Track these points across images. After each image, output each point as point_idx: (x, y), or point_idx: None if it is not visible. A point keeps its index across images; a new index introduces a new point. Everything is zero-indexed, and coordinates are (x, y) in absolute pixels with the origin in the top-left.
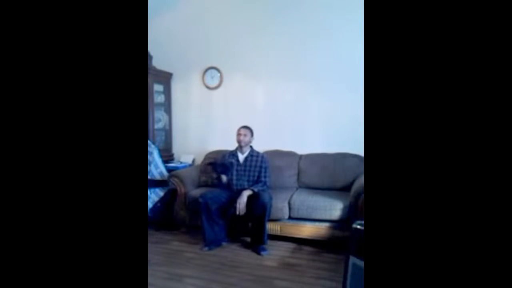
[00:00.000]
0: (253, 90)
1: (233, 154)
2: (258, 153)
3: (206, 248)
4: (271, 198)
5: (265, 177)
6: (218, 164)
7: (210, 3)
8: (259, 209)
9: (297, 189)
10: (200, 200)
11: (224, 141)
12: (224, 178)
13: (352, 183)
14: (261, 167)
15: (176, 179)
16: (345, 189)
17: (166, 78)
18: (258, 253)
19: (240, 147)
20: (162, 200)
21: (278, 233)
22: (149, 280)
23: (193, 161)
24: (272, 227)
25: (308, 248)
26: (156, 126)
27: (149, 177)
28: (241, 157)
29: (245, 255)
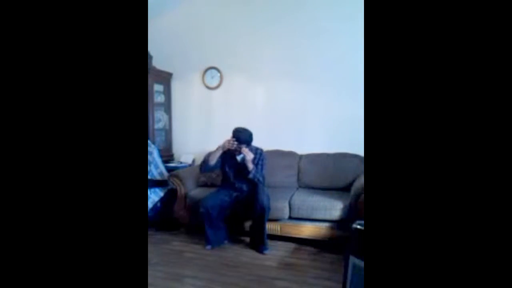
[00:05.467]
0: (253, 90)
1: (232, 153)
2: (256, 149)
3: (209, 247)
4: (269, 199)
5: (261, 170)
6: (238, 132)
7: (210, 3)
8: (257, 212)
9: (297, 189)
10: (202, 210)
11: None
12: (238, 158)
13: (352, 183)
14: (257, 164)
15: (176, 179)
16: (345, 189)
17: (166, 78)
18: (261, 252)
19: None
20: (162, 200)
21: (278, 233)
22: (149, 280)
23: (193, 161)
24: (272, 227)
25: (308, 248)
26: (156, 126)
27: (149, 177)
28: (239, 157)
29: (245, 255)
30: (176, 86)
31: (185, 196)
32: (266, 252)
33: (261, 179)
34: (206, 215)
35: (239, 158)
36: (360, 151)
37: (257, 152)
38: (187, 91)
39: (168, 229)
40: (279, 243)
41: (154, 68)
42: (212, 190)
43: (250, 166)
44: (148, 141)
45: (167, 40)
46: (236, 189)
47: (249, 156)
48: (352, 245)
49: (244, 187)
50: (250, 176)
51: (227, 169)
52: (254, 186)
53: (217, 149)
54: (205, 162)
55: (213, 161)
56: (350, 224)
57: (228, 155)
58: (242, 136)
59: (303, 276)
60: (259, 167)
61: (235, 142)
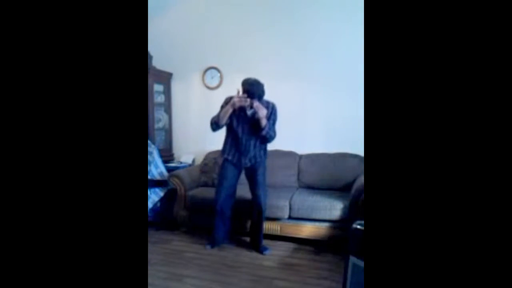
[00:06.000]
0: None
1: (241, 107)
2: (268, 102)
3: (209, 247)
4: (266, 195)
5: (273, 125)
6: (250, 86)
7: (210, 3)
8: (255, 211)
9: (297, 189)
10: (218, 207)
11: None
12: (249, 112)
13: (352, 183)
14: (269, 119)
15: (176, 179)
16: (345, 189)
17: (166, 78)
18: (261, 252)
19: None
20: (162, 200)
21: (278, 233)
22: (149, 280)
23: (193, 161)
24: (272, 227)
25: (308, 248)
26: (156, 126)
27: (149, 177)
28: (250, 111)
29: (245, 255)
30: (176, 86)
31: (185, 196)
32: (266, 252)
33: (273, 135)
34: (220, 213)
35: (249, 112)
36: (360, 151)
37: (269, 106)
38: (187, 91)
39: (168, 229)
40: (279, 243)
41: (154, 68)
42: (212, 187)
43: (264, 122)
44: (148, 141)
45: (167, 40)
46: (243, 148)
47: (262, 112)
48: (352, 245)
49: (251, 145)
50: (263, 133)
51: (234, 124)
52: (260, 149)
53: (226, 107)
54: (215, 123)
55: (223, 120)
56: (350, 224)
57: (236, 109)
58: (254, 90)
59: (303, 276)
60: (271, 122)
61: (248, 99)
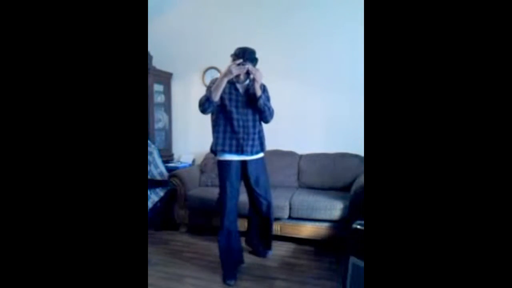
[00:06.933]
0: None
1: (231, 83)
2: None
3: (233, 282)
4: (270, 192)
5: (268, 101)
6: (241, 49)
7: (210, 3)
8: (263, 214)
9: (297, 189)
10: (226, 223)
11: None
12: (245, 83)
13: (352, 183)
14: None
15: (176, 179)
16: (345, 189)
17: (166, 78)
18: (264, 255)
19: (237, 77)
20: (162, 200)
21: (278, 233)
22: (149, 280)
23: (193, 161)
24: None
25: (308, 248)
26: (156, 126)
27: (149, 177)
28: (241, 87)
29: (245, 255)
30: (176, 86)
31: (185, 196)
32: (268, 254)
33: (270, 107)
34: (230, 231)
35: (246, 82)
36: (360, 151)
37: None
38: (187, 91)
39: (168, 229)
40: (279, 243)
41: (154, 68)
42: (214, 188)
43: (259, 91)
44: (148, 141)
45: (167, 40)
46: (241, 131)
47: (259, 76)
48: (352, 245)
49: (251, 126)
50: (260, 102)
51: (227, 104)
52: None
53: (219, 81)
54: (207, 100)
55: (217, 95)
56: (350, 224)
57: (225, 88)
58: (246, 52)
59: (303, 276)
60: (265, 98)
61: (245, 65)
